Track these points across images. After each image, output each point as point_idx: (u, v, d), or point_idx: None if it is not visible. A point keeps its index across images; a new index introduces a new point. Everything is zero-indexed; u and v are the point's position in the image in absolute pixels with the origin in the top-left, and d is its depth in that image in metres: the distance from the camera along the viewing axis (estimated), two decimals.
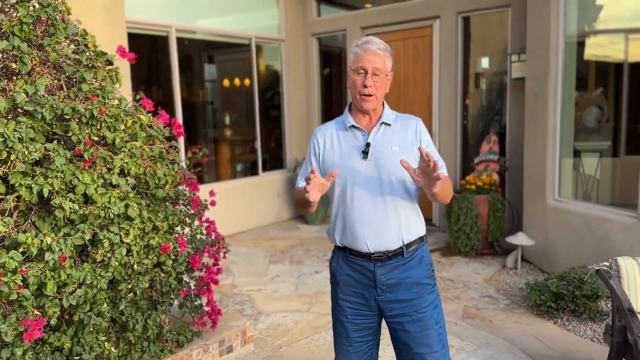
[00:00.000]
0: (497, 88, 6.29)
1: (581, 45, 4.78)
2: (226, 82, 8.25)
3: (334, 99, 8.43)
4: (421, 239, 2.09)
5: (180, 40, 5.99)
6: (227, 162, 8.17)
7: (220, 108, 8.74)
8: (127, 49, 5.41)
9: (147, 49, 8.15)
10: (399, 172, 1.97)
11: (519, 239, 4.77)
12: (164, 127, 2.92)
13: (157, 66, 8.57)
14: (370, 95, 1.97)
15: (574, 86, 4.73)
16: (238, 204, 6.71)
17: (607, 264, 2.82)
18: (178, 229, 3.15)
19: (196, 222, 3.88)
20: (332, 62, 8.34)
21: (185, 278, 3.25)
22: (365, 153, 1.99)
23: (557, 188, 4.68)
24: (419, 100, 6.48)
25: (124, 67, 5.21)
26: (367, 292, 2.05)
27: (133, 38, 5.61)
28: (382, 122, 2.04)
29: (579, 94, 4.90)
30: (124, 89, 5.20)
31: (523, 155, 5.24)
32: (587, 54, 4.90)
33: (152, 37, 6.03)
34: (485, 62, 6.82)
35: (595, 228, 4.21)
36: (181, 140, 6.00)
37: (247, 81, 7.33)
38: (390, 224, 1.99)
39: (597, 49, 4.90)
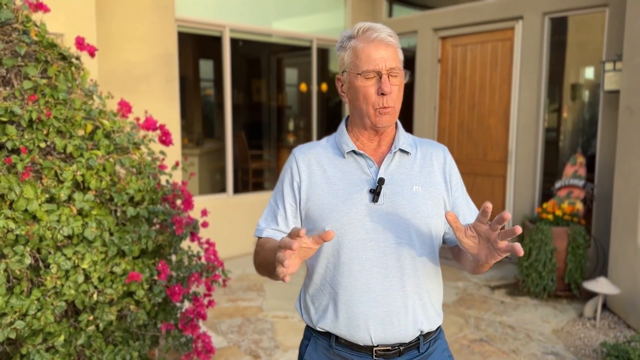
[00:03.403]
0: (589, 101, 5.39)
1: None
2: (285, 86, 7.91)
3: (403, 107, 7.81)
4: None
5: (234, 42, 5.68)
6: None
7: (279, 113, 8.41)
8: (176, 48, 5.18)
9: (200, 48, 7.98)
10: (423, 224, 1.35)
11: (600, 285, 3.91)
12: (152, 132, 2.53)
13: (211, 67, 8.40)
14: (388, 107, 1.36)
15: None
16: None
17: None
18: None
19: (191, 244, 3.46)
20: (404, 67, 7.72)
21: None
22: (375, 193, 1.34)
23: None
24: (496, 111, 5.71)
25: (169, 66, 4.95)
26: None
27: (186, 37, 5.37)
28: (399, 149, 1.42)
29: None
30: (169, 89, 4.92)
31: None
32: None
33: (205, 37, 5.77)
34: (575, 71, 5.91)
35: None
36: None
37: (305, 86, 6.91)
38: (407, 303, 1.35)
39: None
